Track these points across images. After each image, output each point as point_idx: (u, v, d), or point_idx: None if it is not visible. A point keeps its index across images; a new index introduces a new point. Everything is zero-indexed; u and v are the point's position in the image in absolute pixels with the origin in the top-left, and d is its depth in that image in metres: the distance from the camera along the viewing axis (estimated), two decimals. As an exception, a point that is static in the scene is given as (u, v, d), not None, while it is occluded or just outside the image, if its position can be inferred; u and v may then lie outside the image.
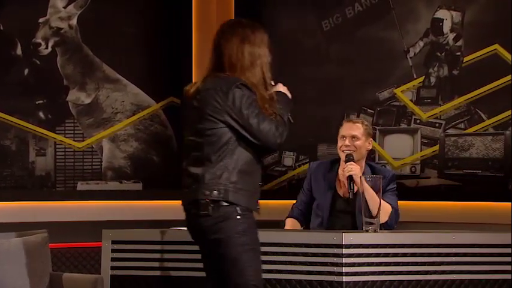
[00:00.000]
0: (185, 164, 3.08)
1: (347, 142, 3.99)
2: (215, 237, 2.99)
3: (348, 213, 3.98)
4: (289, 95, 3.17)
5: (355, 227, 3.95)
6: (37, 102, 5.32)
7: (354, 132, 4.00)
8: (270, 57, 3.11)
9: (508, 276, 3.68)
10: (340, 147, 4.02)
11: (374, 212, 3.63)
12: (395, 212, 3.95)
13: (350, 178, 3.90)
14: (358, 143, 3.98)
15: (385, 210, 3.85)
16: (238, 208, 3.00)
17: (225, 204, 2.99)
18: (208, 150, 3.01)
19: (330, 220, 3.99)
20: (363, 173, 3.98)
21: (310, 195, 4.08)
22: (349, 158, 3.95)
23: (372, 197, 3.67)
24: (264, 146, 3.03)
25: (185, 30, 5.67)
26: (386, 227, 3.87)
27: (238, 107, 2.99)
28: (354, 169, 3.89)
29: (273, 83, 3.16)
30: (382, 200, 3.74)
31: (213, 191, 2.98)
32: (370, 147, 4.05)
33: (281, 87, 3.17)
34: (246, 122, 2.99)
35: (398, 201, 4.31)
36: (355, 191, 3.91)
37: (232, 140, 3.01)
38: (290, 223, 4.11)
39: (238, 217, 2.99)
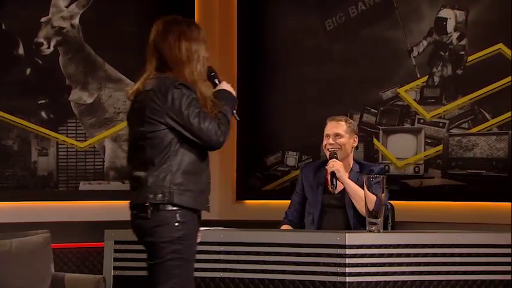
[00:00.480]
0: (130, 167, 3.06)
1: (331, 140, 4.09)
2: (149, 240, 2.98)
3: (339, 207, 4.05)
4: (234, 93, 3.13)
5: (347, 221, 4.02)
6: (39, 102, 5.31)
7: (337, 130, 4.09)
8: (207, 53, 3.08)
9: (509, 277, 3.67)
10: (325, 145, 4.12)
11: (362, 208, 3.77)
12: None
13: (332, 174, 3.99)
14: (342, 140, 4.08)
15: (368, 202, 3.87)
16: (178, 214, 2.97)
17: (168, 208, 2.96)
18: (151, 153, 2.99)
19: (320, 216, 4.06)
20: (351, 170, 4.09)
21: (302, 196, 4.15)
22: (332, 156, 4.04)
23: (355, 193, 3.86)
24: (207, 145, 3.00)
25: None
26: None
27: (177, 108, 2.96)
28: (335, 165, 3.98)
29: (217, 82, 3.13)
30: (367, 192, 3.82)
31: (157, 195, 2.96)
32: (355, 144, 4.14)
33: (225, 85, 3.14)
34: (186, 122, 2.96)
35: (402, 201, 4.31)
36: (336, 186, 4.00)
37: (175, 142, 2.99)
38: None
39: (177, 224, 2.97)
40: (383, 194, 3.63)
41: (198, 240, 3.11)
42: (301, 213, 4.14)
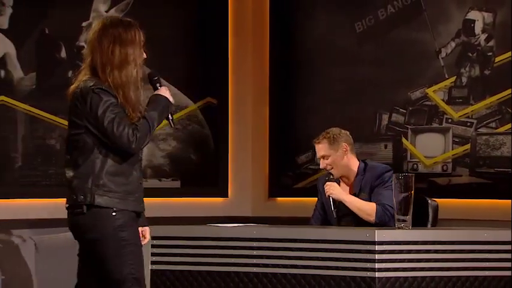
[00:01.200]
0: (64, 167, 3.12)
1: (321, 164, 4.16)
2: (91, 236, 3.00)
3: (350, 214, 4.11)
4: (170, 98, 3.12)
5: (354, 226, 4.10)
6: (80, 103, 5.44)
7: (320, 153, 4.15)
8: (143, 57, 3.09)
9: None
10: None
11: (365, 218, 3.98)
12: (383, 207, 4.01)
13: (329, 197, 4.10)
14: (328, 161, 4.12)
15: (368, 212, 4.00)
16: (114, 207, 3.01)
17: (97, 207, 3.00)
18: (75, 155, 3.04)
19: (338, 222, 4.15)
20: (357, 174, 4.13)
21: (322, 203, 4.23)
22: (328, 178, 4.13)
23: (354, 207, 4.00)
24: (122, 150, 3.01)
25: (221, 31, 5.75)
26: (379, 225, 3.97)
27: (94, 112, 2.99)
28: (329, 190, 4.06)
29: (158, 87, 3.14)
30: (363, 201, 3.99)
31: (80, 196, 2.99)
32: (347, 151, 4.13)
33: (162, 90, 3.14)
34: (101, 127, 2.98)
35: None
36: (337, 208, 4.10)
37: (97, 144, 3.01)
38: None
39: (114, 213, 3.00)
40: (412, 192, 3.71)
41: (146, 240, 3.16)
42: (323, 217, 4.23)
